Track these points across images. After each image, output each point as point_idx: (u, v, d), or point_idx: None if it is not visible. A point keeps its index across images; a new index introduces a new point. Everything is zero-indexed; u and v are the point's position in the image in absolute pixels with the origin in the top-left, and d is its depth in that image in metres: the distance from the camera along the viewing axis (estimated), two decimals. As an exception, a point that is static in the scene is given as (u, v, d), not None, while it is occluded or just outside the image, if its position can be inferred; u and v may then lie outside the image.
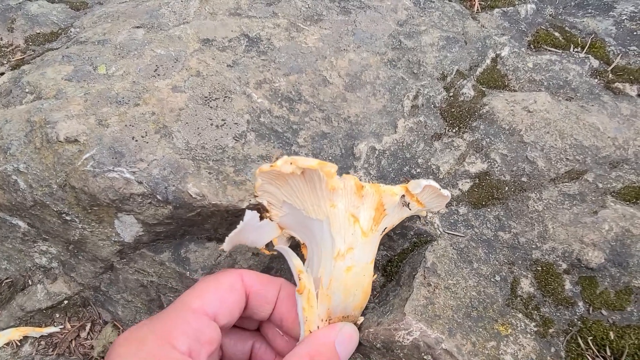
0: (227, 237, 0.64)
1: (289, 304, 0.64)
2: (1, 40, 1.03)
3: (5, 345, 0.89)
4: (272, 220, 0.67)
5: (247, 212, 0.63)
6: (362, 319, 0.68)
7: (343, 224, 0.61)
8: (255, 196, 0.66)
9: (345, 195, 0.61)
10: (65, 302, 0.92)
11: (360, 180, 0.78)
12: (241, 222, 0.62)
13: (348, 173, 0.79)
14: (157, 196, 0.71)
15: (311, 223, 0.63)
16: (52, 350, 0.90)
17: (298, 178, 0.61)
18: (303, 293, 0.62)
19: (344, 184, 0.60)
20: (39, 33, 1.05)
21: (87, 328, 0.92)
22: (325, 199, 0.61)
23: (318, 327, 0.62)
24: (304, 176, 0.60)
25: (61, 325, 0.92)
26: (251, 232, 0.66)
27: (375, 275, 0.73)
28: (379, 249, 0.79)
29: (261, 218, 0.67)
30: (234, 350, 0.66)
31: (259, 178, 0.63)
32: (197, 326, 0.54)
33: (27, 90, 0.81)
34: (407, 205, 0.64)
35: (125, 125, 0.74)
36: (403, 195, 0.64)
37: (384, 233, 0.66)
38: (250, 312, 0.64)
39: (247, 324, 0.68)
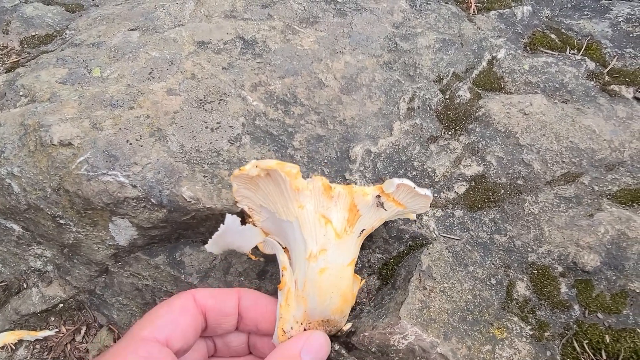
0: (209, 240, 0.65)
1: (259, 309, 0.63)
2: (-4, 42, 1.03)
3: (0, 349, 0.89)
4: (255, 226, 0.68)
5: (227, 216, 0.63)
6: (348, 325, 0.67)
7: (314, 225, 0.61)
8: (236, 202, 0.67)
9: (314, 196, 0.61)
10: (61, 305, 0.91)
11: (355, 184, 0.78)
12: (222, 225, 0.63)
13: (317, 174, 0.79)
14: (152, 200, 0.71)
15: (284, 225, 0.64)
16: (47, 354, 0.90)
17: (267, 181, 0.62)
18: (283, 290, 0.62)
19: (312, 185, 0.61)
20: (34, 35, 1.04)
21: (83, 332, 0.92)
22: (292, 200, 0.62)
23: (292, 327, 0.61)
24: (270, 178, 0.62)
25: (56, 328, 0.92)
26: (235, 236, 0.66)
27: (363, 281, 0.72)
28: (374, 252, 0.79)
29: (245, 223, 0.67)
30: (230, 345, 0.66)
31: (234, 183, 0.64)
32: (146, 355, 0.53)
33: (21, 93, 0.81)
34: (382, 205, 0.64)
35: (120, 129, 0.74)
36: (378, 196, 0.64)
37: (364, 235, 0.66)
38: (213, 329, 0.63)
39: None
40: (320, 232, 0.61)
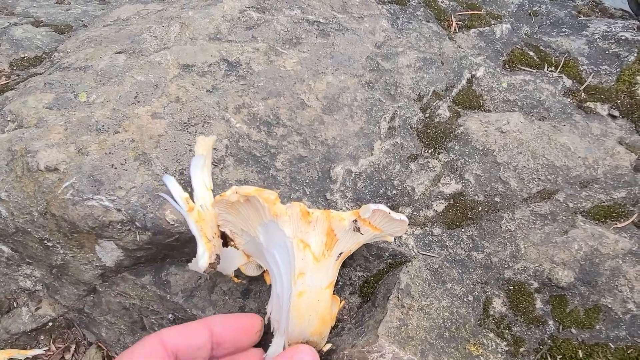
0: (193, 259, 0.67)
1: (232, 330, 0.65)
2: (-14, 65, 1.05)
3: (-10, 368, 0.90)
4: (237, 249, 0.70)
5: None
6: (328, 345, 0.69)
7: (292, 250, 0.63)
8: (218, 225, 0.69)
9: (292, 221, 0.63)
10: (50, 324, 0.93)
11: (336, 203, 0.80)
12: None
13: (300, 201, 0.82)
14: (136, 223, 0.73)
15: (264, 249, 0.66)
16: (37, 373, 0.91)
17: (247, 206, 0.64)
18: (193, 212, 0.68)
19: (290, 211, 0.63)
20: (24, 57, 1.06)
21: (72, 349, 0.93)
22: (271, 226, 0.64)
23: (210, 240, 0.67)
24: (250, 204, 0.64)
25: (46, 347, 0.93)
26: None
27: (343, 302, 0.74)
28: (355, 270, 0.81)
29: (227, 245, 0.70)
30: None
31: (215, 208, 0.66)
32: None
33: (8, 118, 0.83)
34: (358, 230, 0.66)
35: (105, 153, 0.76)
36: (355, 221, 0.66)
37: (341, 258, 0.68)
38: None
39: None
40: (298, 256, 0.63)
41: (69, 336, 0.94)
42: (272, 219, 0.62)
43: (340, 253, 0.67)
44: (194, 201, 0.72)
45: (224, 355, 0.65)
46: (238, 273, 0.73)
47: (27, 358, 0.92)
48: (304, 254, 0.63)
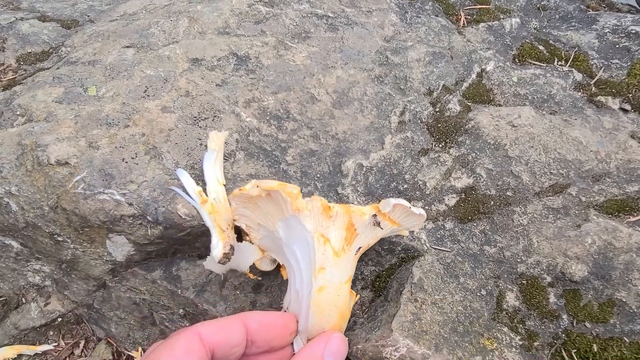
0: (207, 257, 0.66)
1: (268, 329, 0.63)
2: (-7, 59, 1.04)
3: (-1, 364, 0.90)
4: (252, 243, 0.70)
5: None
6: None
7: (313, 244, 0.63)
8: (234, 220, 0.68)
9: (313, 216, 0.63)
10: (59, 319, 0.92)
11: (347, 198, 0.80)
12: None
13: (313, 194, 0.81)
14: (148, 217, 0.72)
15: (283, 244, 0.65)
16: (46, 368, 0.91)
17: (266, 201, 0.64)
18: (206, 204, 0.69)
19: (311, 205, 0.62)
20: (30, 52, 1.06)
21: (81, 345, 0.93)
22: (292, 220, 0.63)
23: (224, 230, 0.67)
24: (271, 198, 0.63)
25: (55, 342, 0.93)
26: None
27: (358, 296, 0.74)
28: (367, 264, 0.81)
29: (242, 240, 0.69)
30: None
31: (232, 202, 0.66)
32: None
33: (18, 112, 0.82)
34: (379, 224, 0.66)
35: (116, 147, 0.76)
36: (375, 215, 0.65)
37: (360, 253, 0.67)
38: None
39: None
40: (319, 251, 0.63)
41: (78, 332, 0.94)
42: (294, 213, 0.61)
43: (359, 248, 0.66)
44: (207, 195, 0.72)
45: (255, 353, 0.63)
46: (252, 268, 0.73)
47: (36, 354, 0.92)
48: (325, 249, 0.62)
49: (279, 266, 0.73)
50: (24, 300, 0.93)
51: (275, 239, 0.66)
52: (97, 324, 0.93)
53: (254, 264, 0.72)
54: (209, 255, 0.70)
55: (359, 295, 0.77)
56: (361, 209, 0.64)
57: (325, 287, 0.62)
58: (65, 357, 0.92)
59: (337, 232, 0.63)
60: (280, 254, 0.68)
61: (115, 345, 0.92)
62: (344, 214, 0.63)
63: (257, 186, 0.61)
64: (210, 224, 0.68)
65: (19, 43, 1.07)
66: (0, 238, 0.85)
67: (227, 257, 0.67)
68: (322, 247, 0.62)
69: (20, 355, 0.91)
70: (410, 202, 0.79)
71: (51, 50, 1.06)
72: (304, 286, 0.63)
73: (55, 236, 0.78)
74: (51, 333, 0.94)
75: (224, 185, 0.74)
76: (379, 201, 0.68)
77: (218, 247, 0.66)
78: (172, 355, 0.54)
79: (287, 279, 0.69)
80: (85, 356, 0.92)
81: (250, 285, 0.80)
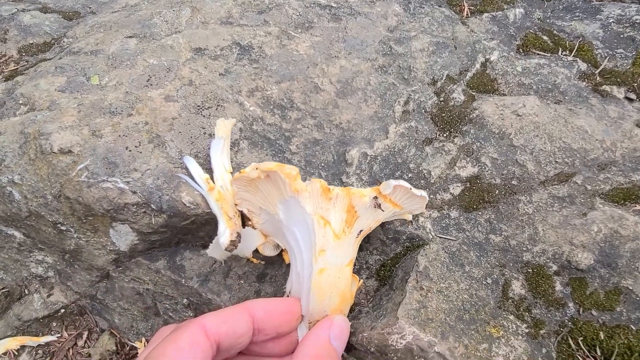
0: (210, 244, 0.66)
1: (274, 316, 0.62)
2: (-6, 51, 1.04)
3: (2, 355, 0.90)
4: (254, 228, 0.69)
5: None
6: None
7: (312, 227, 0.62)
8: (236, 204, 0.68)
9: (312, 198, 0.62)
10: (62, 310, 0.92)
11: (352, 186, 0.79)
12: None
13: (314, 177, 0.81)
14: (152, 205, 0.72)
15: (283, 227, 0.65)
16: (50, 359, 0.90)
17: (266, 183, 0.64)
18: (213, 191, 0.69)
19: (311, 187, 0.62)
20: (32, 43, 1.05)
21: (84, 336, 0.93)
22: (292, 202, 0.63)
23: (231, 218, 0.67)
24: (270, 180, 0.63)
25: (58, 334, 0.93)
26: None
27: (361, 281, 0.74)
28: (372, 253, 0.80)
29: (244, 226, 0.69)
30: None
31: (234, 186, 0.66)
32: None
33: (20, 102, 0.82)
34: (379, 206, 0.65)
35: (119, 136, 0.75)
36: (375, 197, 0.65)
37: (361, 236, 0.67)
38: (226, 352, 0.60)
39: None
40: (319, 233, 0.62)
41: (81, 323, 0.94)
42: (293, 195, 0.61)
43: (360, 230, 0.66)
44: (214, 182, 0.71)
45: (263, 341, 0.63)
46: (255, 254, 0.72)
47: (39, 345, 0.92)
48: (325, 231, 0.62)
49: (282, 252, 0.73)
50: (26, 292, 0.92)
51: (276, 222, 0.66)
52: (101, 315, 0.92)
53: (257, 249, 0.71)
54: (211, 242, 0.70)
55: (362, 280, 0.77)
56: (361, 191, 0.64)
57: (325, 269, 0.62)
58: (69, 348, 0.92)
59: (337, 214, 0.63)
60: (281, 237, 0.68)
61: (118, 336, 0.91)
62: (344, 196, 0.63)
63: (256, 168, 0.62)
64: (218, 211, 0.67)
65: (21, 34, 1.07)
66: (3, 228, 0.84)
67: (233, 244, 0.66)
68: (322, 230, 0.62)
69: (23, 347, 0.91)
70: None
71: (53, 41, 1.06)
72: (304, 269, 0.63)
73: (59, 225, 0.77)
74: (54, 324, 0.93)
75: (231, 173, 0.74)
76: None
77: (225, 234, 0.65)
78: (177, 348, 0.53)
79: (289, 264, 0.68)
80: (89, 347, 0.92)
81: (255, 274, 0.80)
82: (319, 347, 0.61)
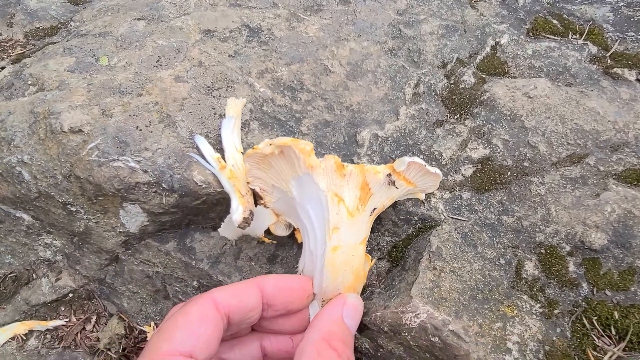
0: (222, 223, 0.65)
1: (284, 292, 0.62)
2: (1, 35, 1.03)
3: (10, 339, 0.89)
4: (266, 207, 0.69)
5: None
6: None
7: (326, 204, 0.62)
8: (248, 182, 0.67)
9: (326, 174, 0.62)
10: (70, 295, 0.92)
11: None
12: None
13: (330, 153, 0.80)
14: (163, 184, 0.71)
15: (296, 205, 0.64)
16: (58, 343, 0.90)
17: (279, 159, 0.63)
18: (225, 170, 0.68)
19: (324, 163, 0.61)
20: (39, 27, 1.04)
21: (93, 320, 0.92)
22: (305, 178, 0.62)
23: (244, 195, 0.67)
24: (284, 156, 0.62)
25: (66, 318, 0.92)
26: None
27: (374, 260, 0.73)
28: (384, 235, 0.80)
29: (256, 205, 0.68)
30: None
31: (246, 163, 0.65)
32: None
33: (29, 82, 0.81)
34: (393, 183, 0.64)
35: (129, 115, 0.75)
36: (389, 174, 0.64)
37: (375, 214, 0.66)
38: (236, 326, 0.60)
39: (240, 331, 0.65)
40: (333, 211, 0.62)
41: (90, 307, 0.93)
42: (307, 171, 0.60)
43: (374, 208, 0.65)
44: (225, 162, 0.71)
45: (273, 316, 0.63)
46: (267, 233, 0.72)
47: (47, 329, 0.91)
48: (339, 209, 0.62)
49: (293, 232, 0.72)
50: (34, 276, 0.92)
51: (288, 199, 0.65)
52: (109, 299, 0.92)
53: (268, 228, 0.71)
54: (223, 222, 0.69)
55: (374, 259, 0.76)
56: (375, 168, 0.63)
57: (339, 247, 0.61)
58: (77, 333, 0.91)
59: (351, 191, 0.62)
60: (294, 215, 0.67)
61: (127, 320, 0.91)
62: (358, 173, 0.62)
63: (270, 144, 0.61)
64: (230, 189, 0.67)
65: (27, 18, 1.06)
66: (12, 211, 0.84)
67: (246, 221, 0.66)
68: (335, 207, 0.61)
69: (31, 331, 0.91)
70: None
71: (60, 25, 1.05)
72: (318, 246, 0.62)
73: (69, 206, 0.77)
74: (62, 308, 0.93)
75: (242, 152, 0.73)
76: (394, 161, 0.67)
77: (238, 211, 0.65)
78: (188, 321, 0.54)
79: (301, 243, 0.68)
80: (97, 332, 0.92)
81: (266, 256, 0.79)
82: (332, 324, 0.60)
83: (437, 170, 0.66)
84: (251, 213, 0.67)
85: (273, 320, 0.63)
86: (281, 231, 0.71)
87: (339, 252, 0.62)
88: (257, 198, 0.70)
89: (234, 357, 0.63)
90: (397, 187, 0.65)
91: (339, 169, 0.61)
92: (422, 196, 0.74)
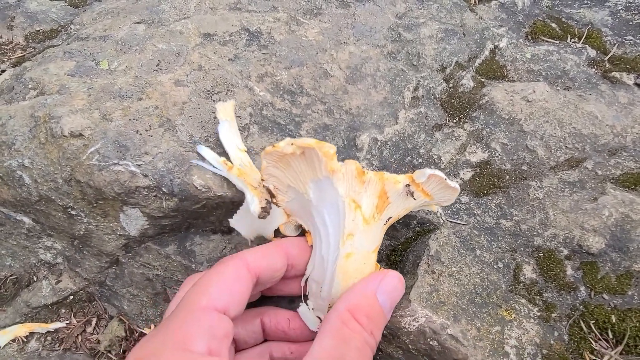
0: (235, 214, 0.66)
1: (306, 254, 0.66)
2: (1, 38, 1.03)
3: (11, 342, 0.90)
4: (278, 206, 0.68)
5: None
6: None
7: (343, 209, 0.61)
8: (262, 180, 0.67)
9: (346, 180, 0.61)
10: (71, 297, 0.92)
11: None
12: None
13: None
14: (163, 189, 0.72)
15: (312, 207, 0.64)
16: (59, 346, 0.90)
17: (299, 160, 0.61)
18: (233, 169, 0.69)
19: (345, 168, 0.60)
20: (39, 30, 1.05)
21: (93, 323, 0.93)
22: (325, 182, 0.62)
23: (256, 187, 0.68)
24: (304, 157, 0.61)
25: (67, 320, 0.92)
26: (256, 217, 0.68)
27: (382, 269, 0.73)
28: (383, 239, 0.80)
29: (268, 203, 0.68)
30: (244, 335, 0.66)
31: (264, 160, 0.63)
32: (209, 323, 0.52)
33: (30, 86, 0.81)
34: (412, 194, 0.64)
35: (129, 119, 0.75)
36: (408, 185, 0.63)
37: (389, 223, 0.66)
38: (261, 287, 0.63)
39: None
40: (349, 217, 0.61)
41: (90, 310, 0.93)
42: (328, 174, 0.59)
43: (389, 218, 0.64)
44: (231, 163, 0.71)
45: (294, 276, 0.67)
46: (277, 233, 0.72)
47: (48, 331, 0.92)
48: (355, 215, 0.61)
49: (302, 233, 0.72)
50: (35, 278, 0.92)
51: (303, 201, 0.64)
52: (109, 302, 0.92)
53: (278, 228, 0.71)
54: (234, 214, 0.70)
55: (382, 268, 0.76)
56: (395, 177, 0.62)
57: (352, 254, 0.61)
58: (77, 335, 0.92)
59: (369, 199, 0.62)
60: (306, 218, 0.67)
61: (127, 322, 0.91)
62: (378, 180, 0.61)
63: (292, 144, 0.58)
64: (241, 185, 0.68)
65: (27, 21, 1.06)
66: (12, 214, 0.84)
67: (265, 210, 0.66)
68: (352, 213, 0.61)
69: (32, 333, 0.91)
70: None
71: (60, 28, 1.06)
72: (330, 252, 0.62)
73: (69, 210, 0.77)
74: (63, 311, 0.93)
75: (246, 151, 0.74)
76: (397, 174, 0.67)
77: (254, 202, 0.65)
78: (223, 280, 0.56)
79: (311, 245, 0.68)
80: (98, 334, 0.92)
81: (265, 259, 0.80)
82: (361, 297, 0.59)
83: (457, 185, 0.64)
84: (268, 202, 0.67)
85: (290, 280, 0.67)
86: (290, 231, 0.71)
87: (352, 259, 0.62)
88: (270, 196, 0.69)
89: (236, 331, 0.65)
90: (415, 199, 0.64)
91: (360, 175, 0.60)
92: (435, 208, 0.73)
